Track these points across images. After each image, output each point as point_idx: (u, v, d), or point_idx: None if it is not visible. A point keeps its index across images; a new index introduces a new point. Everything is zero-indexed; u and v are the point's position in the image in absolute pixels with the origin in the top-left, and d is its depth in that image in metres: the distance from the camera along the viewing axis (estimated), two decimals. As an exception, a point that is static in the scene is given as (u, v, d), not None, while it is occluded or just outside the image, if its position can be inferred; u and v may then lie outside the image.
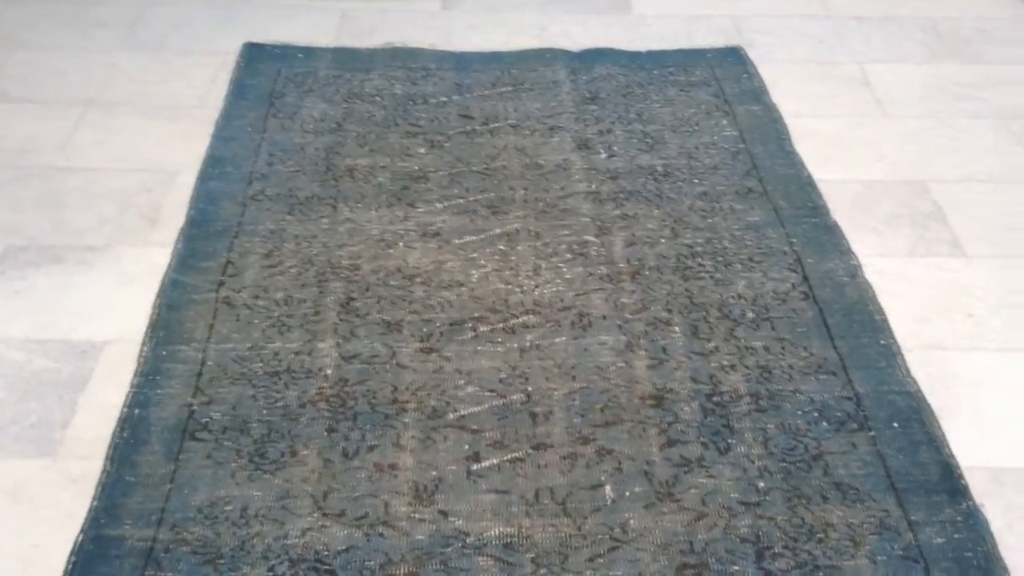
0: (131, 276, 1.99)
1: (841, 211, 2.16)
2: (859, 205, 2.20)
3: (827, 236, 2.10)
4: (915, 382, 1.73)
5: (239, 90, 2.59)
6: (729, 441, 1.63)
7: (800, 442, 1.63)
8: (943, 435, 1.64)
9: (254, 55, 2.75)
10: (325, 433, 1.65)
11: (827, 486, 1.55)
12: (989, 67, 2.72)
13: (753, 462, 1.59)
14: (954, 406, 1.70)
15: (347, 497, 1.54)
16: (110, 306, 1.91)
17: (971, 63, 2.75)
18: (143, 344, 1.81)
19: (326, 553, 1.46)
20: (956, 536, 1.48)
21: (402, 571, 1.44)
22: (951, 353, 1.81)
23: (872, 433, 1.64)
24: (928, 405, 1.69)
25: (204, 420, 1.67)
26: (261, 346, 1.82)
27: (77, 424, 1.67)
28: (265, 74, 2.67)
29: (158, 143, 2.38)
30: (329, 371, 1.77)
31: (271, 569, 1.42)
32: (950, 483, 1.56)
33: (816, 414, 1.67)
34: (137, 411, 1.67)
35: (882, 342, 1.82)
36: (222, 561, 1.43)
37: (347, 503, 1.53)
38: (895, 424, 1.66)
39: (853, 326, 1.86)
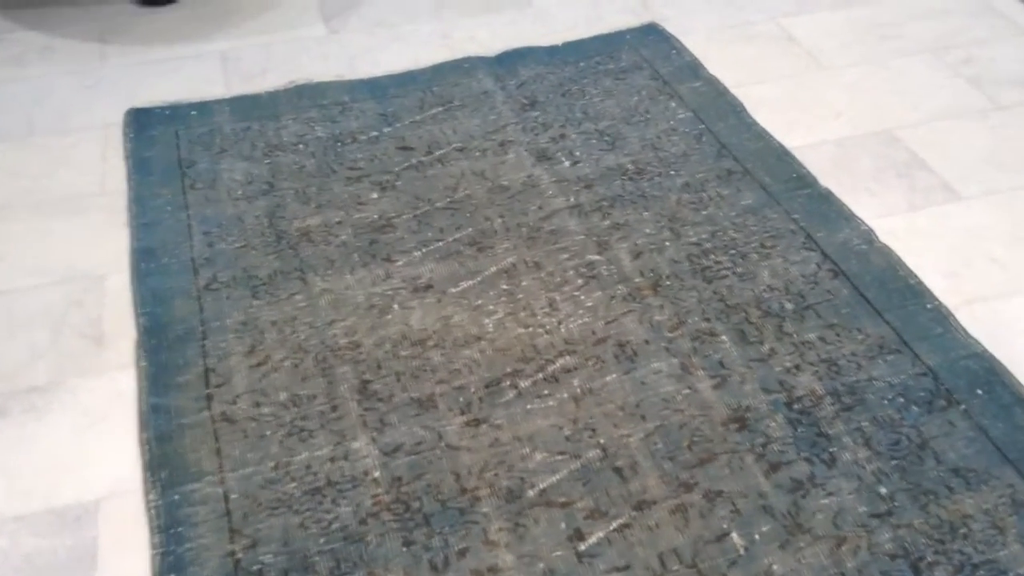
0: (98, 413, 1.68)
1: (826, 176, 2.10)
2: (840, 167, 2.14)
3: (826, 206, 2.03)
4: (978, 342, 1.69)
5: (140, 165, 2.27)
6: (831, 451, 1.53)
7: (900, 434, 1.55)
8: (1028, 391, 1.60)
9: (142, 122, 2.42)
10: (403, 549, 1.44)
11: (946, 475, 1.48)
12: (899, 2, 2.73)
13: (864, 467, 1.50)
14: (1022, 356, 1.67)
15: (457, 618, 1.35)
16: (87, 455, 1.60)
17: (880, 1, 2.76)
18: (147, 493, 1.53)
19: None
20: (1085, 495, 1.44)
21: None
22: (993, 303, 1.78)
23: (963, 407, 1.58)
24: (1000, 363, 1.65)
25: (256, 568, 1.42)
26: (287, 462, 1.57)
27: (103, 612, 1.39)
28: (162, 142, 2.35)
29: (70, 245, 2.04)
30: (377, 473, 1.55)
31: None
32: (1054, 440, 1.52)
33: (901, 399, 1.60)
34: (173, 578, 1.41)
35: (928, 307, 1.77)
36: None
37: (460, 625, 1.34)
38: (979, 391, 1.60)
39: (893, 296, 1.80)
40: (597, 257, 1.94)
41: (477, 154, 2.26)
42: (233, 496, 1.53)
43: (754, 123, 2.29)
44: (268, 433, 1.62)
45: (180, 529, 1.48)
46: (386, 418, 1.64)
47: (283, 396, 1.69)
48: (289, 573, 1.41)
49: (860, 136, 2.23)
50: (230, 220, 2.10)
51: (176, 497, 1.52)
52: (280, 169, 2.24)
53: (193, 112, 2.46)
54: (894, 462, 1.50)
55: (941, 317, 1.74)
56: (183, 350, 1.78)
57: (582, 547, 1.43)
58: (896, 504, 1.44)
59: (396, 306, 1.86)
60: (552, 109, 2.40)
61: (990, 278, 1.83)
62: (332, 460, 1.57)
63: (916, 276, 1.83)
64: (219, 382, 1.72)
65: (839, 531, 1.41)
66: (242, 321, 1.84)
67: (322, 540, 1.46)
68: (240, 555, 1.44)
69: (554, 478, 1.53)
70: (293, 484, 1.54)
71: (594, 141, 2.27)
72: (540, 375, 1.70)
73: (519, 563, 1.41)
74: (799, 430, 1.57)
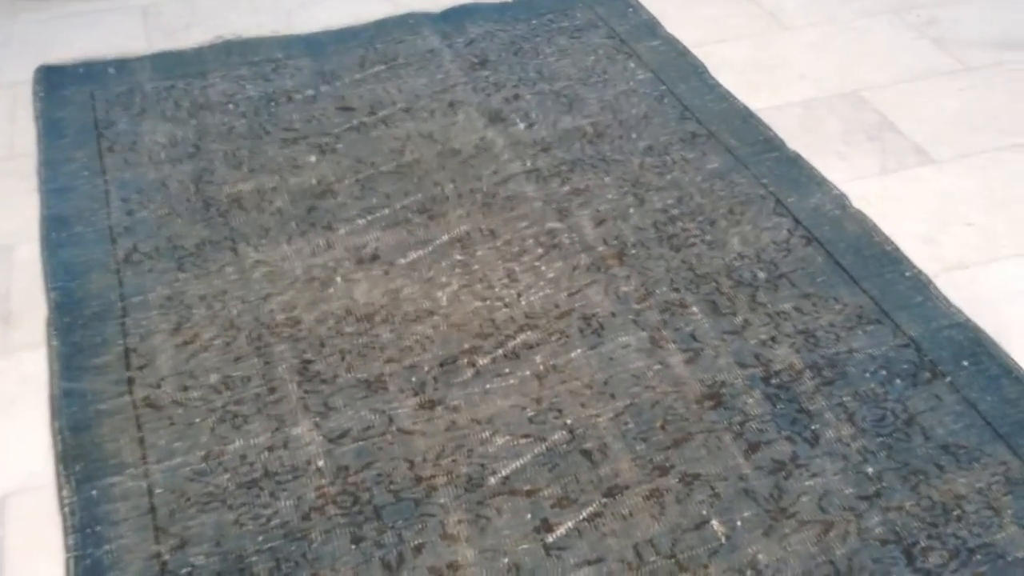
0: (4, 399, 1.49)
1: (794, 139, 1.99)
2: (808, 129, 2.04)
3: (795, 170, 1.92)
4: (960, 311, 1.60)
5: (52, 127, 2.05)
6: (813, 428, 1.43)
7: (885, 409, 1.45)
8: (1015, 362, 1.52)
9: (54, 80, 2.20)
10: (352, 546, 1.29)
11: (935, 452, 1.39)
12: (859, -39, 2.64)
13: (849, 446, 1.40)
14: (1005, 324, 1.58)
15: (414, 622, 1.21)
16: (-10, 447, 1.43)
17: (838, -40, 2.66)
18: (60, 488, 1.36)
19: None
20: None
21: None
22: (972, 270, 1.69)
23: (948, 379, 1.49)
24: (984, 333, 1.56)
25: (185, 571, 1.26)
26: (219, 451, 1.41)
27: (8, 626, 1.22)
28: (76, 101, 2.14)
29: (-29, 214, 1.84)
30: (321, 462, 1.40)
31: None
32: (1044, 414, 1.44)
33: (884, 372, 1.50)
34: (90, 585, 1.25)
35: (907, 274, 1.67)
36: None
37: (417, 630, 1.20)
38: (964, 363, 1.51)
39: (870, 263, 1.70)
40: (557, 225, 1.80)
41: (424, 115, 2.10)
42: (158, 491, 1.36)
43: (717, 84, 2.17)
44: (197, 420, 1.46)
45: (98, 528, 1.31)
46: (330, 401, 1.48)
47: (214, 378, 1.52)
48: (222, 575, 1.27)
49: (826, 98, 2.13)
50: (152, 186, 1.91)
51: (93, 492, 1.35)
52: (207, 131, 2.05)
53: (111, 70, 2.25)
54: (880, 439, 1.40)
55: (921, 285, 1.65)
56: (100, 328, 1.60)
57: (550, 539, 1.30)
58: (884, 485, 1.34)
59: (339, 278, 1.70)
60: (504, 68, 2.25)
61: (968, 243, 1.75)
62: (270, 449, 1.42)
63: (892, 243, 1.74)
64: (141, 363, 1.54)
65: (826, 515, 1.31)
66: (167, 296, 1.66)
67: (260, 538, 1.30)
68: (167, 557, 1.28)
69: (517, 463, 1.40)
70: (226, 476, 1.38)
71: (550, 103, 2.13)
72: (499, 352, 1.56)
73: (481, 558, 1.28)
74: (778, 407, 1.46)
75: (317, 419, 1.45)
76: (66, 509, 1.33)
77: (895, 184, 1.89)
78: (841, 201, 1.83)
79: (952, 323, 1.58)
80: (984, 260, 1.72)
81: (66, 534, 1.30)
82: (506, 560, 1.27)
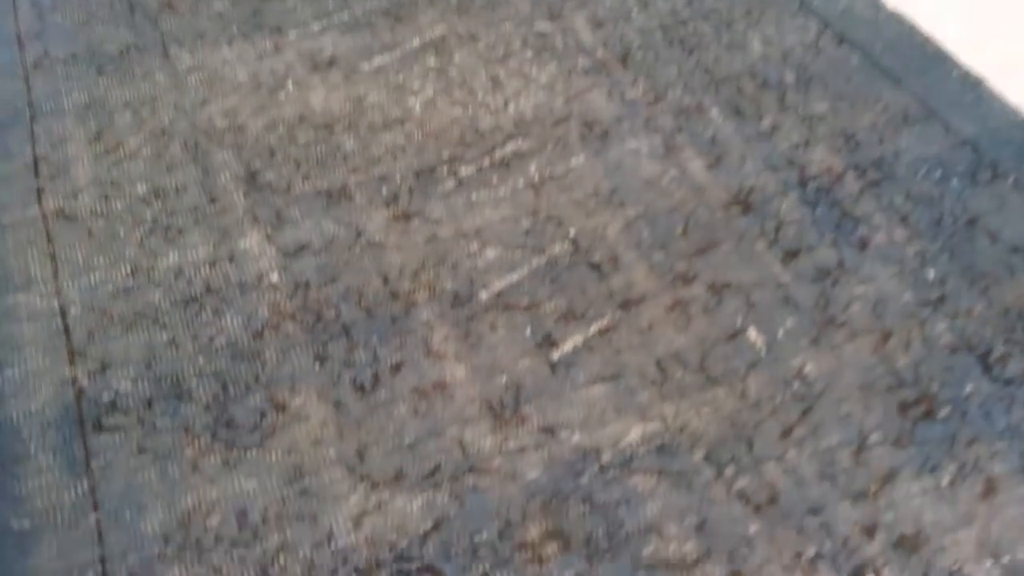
0: None
1: (813, -57, 1.75)
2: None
3: (818, -28, 1.68)
4: (1016, 111, 1.39)
5: (-54, -72, 1.74)
6: (861, 232, 1.21)
7: (942, 210, 1.24)
8: (1086, 162, 1.31)
9: None
10: (315, 366, 1.06)
11: (1003, 254, 1.18)
12: None
13: (904, 250, 1.19)
14: (1068, 128, 1.38)
15: (394, 450, 0.99)
16: None
17: None
18: (-51, 309, 1.11)
19: (404, 547, 0.91)
20: None
21: (534, 533, 0.92)
22: (1026, 72, 1.48)
23: (1012, 179, 1.27)
24: (1048, 133, 1.35)
25: (107, 397, 1.03)
26: (149, 267, 1.16)
27: None
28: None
29: None
30: (275, 277, 1.15)
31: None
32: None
33: (939, 172, 1.29)
34: (-15, 415, 1.01)
35: (954, 74, 1.45)
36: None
37: (399, 459, 0.98)
38: (1029, 163, 1.31)
39: (911, 63, 1.47)
40: (548, 26, 1.54)
41: (388, -80, 1.82)
42: (73, 310, 1.11)
43: None
44: (122, 232, 1.20)
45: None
46: (284, 212, 1.24)
47: (142, 189, 1.26)
48: (155, 402, 1.03)
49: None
50: (68, -11, 1.62)
51: (-8, 313, 1.11)
52: (134, -66, 1.75)
53: None
54: (938, 242, 1.20)
55: (971, 84, 1.43)
56: (2, 137, 1.33)
57: (555, 355, 1.08)
58: (949, 289, 1.14)
59: (290, 84, 1.43)
60: None
61: (1017, 43, 1.53)
62: (212, 263, 1.17)
63: (934, 43, 1.51)
64: (53, 173, 1.28)
65: (882, 323, 1.10)
66: (84, 103, 1.39)
67: (201, 360, 1.07)
68: (84, 382, 1.04)
69: (513, 277, 1.17)
70: (158, 293, 1.13)
71: (532, -94, 1.86)
72: (485, 161, 1.32)
73: (474, 377, 1.05)
74: (818, 211, 1.24)
75: (269, 231, 1.21)
76: (-42, 330, 1.08)
77: (931, -14, 1.66)
78: (875, 2, 1.59)
79: (1011, 122, 1.36)
80: (1039, 60, 1.50)
81: (-42, 359, 1.06)
82: (504, 378, 1.05)
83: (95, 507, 0.92)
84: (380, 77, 1.45)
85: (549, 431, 1.00)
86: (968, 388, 1.03)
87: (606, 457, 0.98)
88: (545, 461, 0.98)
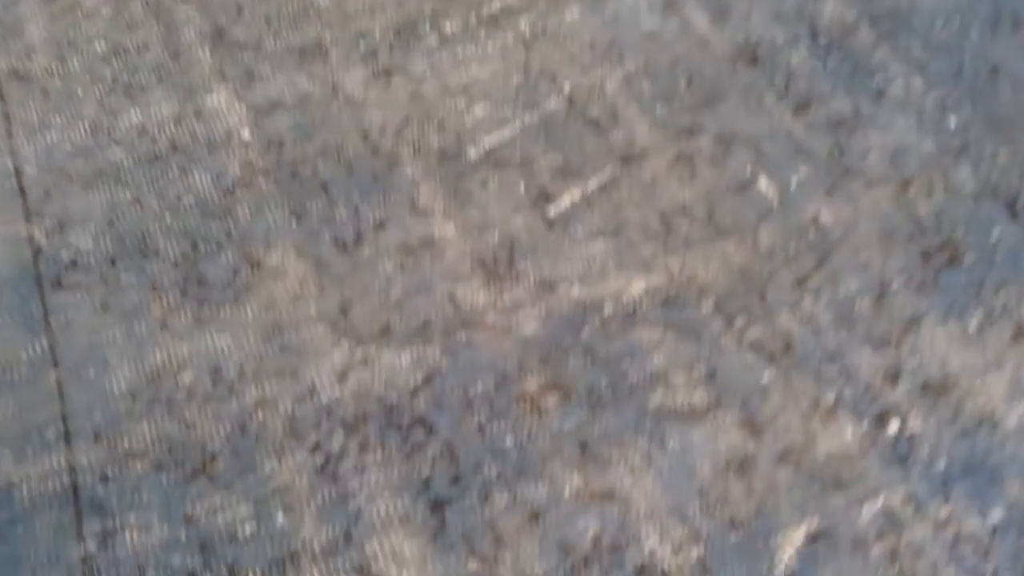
0: None
1: None
2: None
3: None
4: (1039, -40, 1.30)
5: None
6: (876, 82, 1.13)
7: (962, 60, 1.16)
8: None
9: None
10: (292, 223, 0.98)
11: (1028, 104, 1.11)
12: None
13: (923, 99, 1.11)
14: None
15: (379, 306, 0.92)
16: None
17: None
18: None
19: (393, 402, 0.85)
20: None
21: (532, 385, 0.86)
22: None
23: (1036, 29, 1.20)
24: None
25: (67, 256, 0.95)
26: (109, 125, 1.07)
27: None
28: None
29: None
30: (246, 134, 1.07)
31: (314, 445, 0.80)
32: None
33: (957, 22, 1.20)
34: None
35: (972, -74, 1.36)
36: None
37: (385, 315, 0.91)
38: (1052, 13, 1.23)
39: (925, -83, 1.38)
40: None
41: None
42: (29, 169, 1.02)
43: None
44: (80, 92, 1.11)
45: (-55, 214, 0.98)
46: (255, 69, 1.14)
47: (101, 47, 1.17)
48: (119, 260, 0.95)
49: None
50: None
51: (-62, 173, 1.02)
52: None
53: None
54: (957, 91, 1.12)
55: (990, -64, 1.34)
56: (-53, -4, 1.23)
57: (551, 211, 1.00)
58: (971, 135, 1.07)
59: (261, -59, 1.33)
60: None
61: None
62: (178, 121, 1.08)
63: None
64: (4, 33, 1.18)
65: (900, 171, 1.03)
66: (37, -38, 1.29)
67: (168, 217, 0.99)
68: (41, 240, 0.96)
69: (504, 134, 1.08)
70: (119, 151, 1.05)
71: None
72: (471, 17, 1.22)
73: (465, 233, 0.98)
74: (830, 63, 1.16)
75: (238, 87, 1.12)
76: (-99, 191, 1.00)
77: None
78: None
79: (1032, -28, 1.28)
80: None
81: (-99, 219, 0.97)
82: (497, 234, 0.98)
83: (55, 364, 0.84)
84: (356, -66, 1.34)
85: (546, 286, 0.93)
86: (995, 234, 0.96)
87: (608, 310, 0.91)
88: (542, 316, 0.91)
